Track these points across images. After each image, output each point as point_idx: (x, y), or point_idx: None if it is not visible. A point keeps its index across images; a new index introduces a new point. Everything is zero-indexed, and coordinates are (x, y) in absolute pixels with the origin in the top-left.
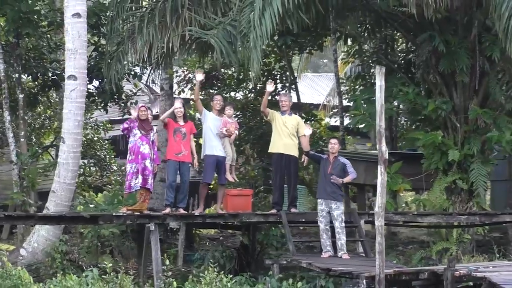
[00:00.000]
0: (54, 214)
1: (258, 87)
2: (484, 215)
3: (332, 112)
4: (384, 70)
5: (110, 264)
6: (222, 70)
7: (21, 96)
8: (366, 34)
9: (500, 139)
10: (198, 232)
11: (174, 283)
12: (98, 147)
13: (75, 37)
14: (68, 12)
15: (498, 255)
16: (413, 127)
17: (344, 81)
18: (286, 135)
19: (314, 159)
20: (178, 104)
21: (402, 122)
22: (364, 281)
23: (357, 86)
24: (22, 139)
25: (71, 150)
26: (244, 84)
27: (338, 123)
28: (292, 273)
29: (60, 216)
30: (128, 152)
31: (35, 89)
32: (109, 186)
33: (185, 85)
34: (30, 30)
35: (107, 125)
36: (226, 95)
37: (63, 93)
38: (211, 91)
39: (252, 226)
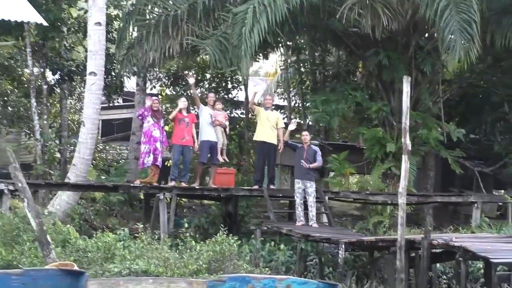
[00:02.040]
0: (84, 183)
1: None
2: (421, 196)
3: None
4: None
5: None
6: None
7: (45, 87)
8: (319, 48)
9: (428, 136)
10: (181, 202)
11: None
12: None
13: (96, 41)
14: (91, 21)
15: (417, 228)
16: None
17: (280, 84)
18: (268, 127)
19: (292, 147)
20: (183, 100)
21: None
22: (343, 245)
23: (304, 89)
24: (45, 122)
25: (89, 132)
26: (201, 83)
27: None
28: (270, 238)
29: (88, 184)
30: (142, 135)
31: (53, 81)
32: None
33: (156, 82)
34: (55, 34)
35: None
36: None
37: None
38: (177, 88)
39: (235, 198)
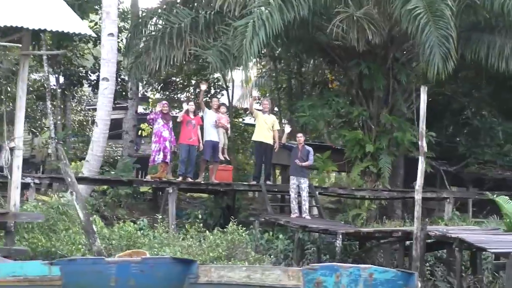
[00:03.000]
0: (102, 177)
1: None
2: (400, 192)
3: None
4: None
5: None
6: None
7: (59, 90)
8: (297, 58)
9: (403, 138)
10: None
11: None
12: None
13: (109, 50)
14: (104, 32)
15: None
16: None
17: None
18: (265, 129)
19: (288, 148)
20: (191, 103)
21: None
22: (340, 236)
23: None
24: (58, 122)
25: (101, 131)
26: (187, 88)
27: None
28: (265, 228)
29: (106, 179)
30: (153, 135)
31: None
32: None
33: (148, 87)
34: (69, 42)
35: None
36: (176, 95)
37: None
38: (167, 92)
39: (233, 192)
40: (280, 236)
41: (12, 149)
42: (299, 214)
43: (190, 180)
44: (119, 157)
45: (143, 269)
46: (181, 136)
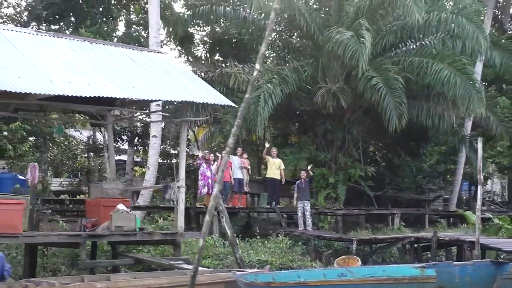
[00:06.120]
0: (153, 205)
1: None
2: (360, 209)
3: None
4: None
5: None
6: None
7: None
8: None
9: (354, 173)
10: None
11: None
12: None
13: (157, 117)
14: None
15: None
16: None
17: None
18: (274, 169)
19: (294, 183)
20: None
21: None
22: (355, 242)
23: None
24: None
25: (152, 174)
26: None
27: None
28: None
29: (158, 206)
30: (200, 175)
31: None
32: None
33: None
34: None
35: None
36: None
37: None
38: None
39: (249, 213)
40: (299, 243)
41: (178, 187)
42: (304, 227)
43: (226, 205)
44: None
45: (474, 269)
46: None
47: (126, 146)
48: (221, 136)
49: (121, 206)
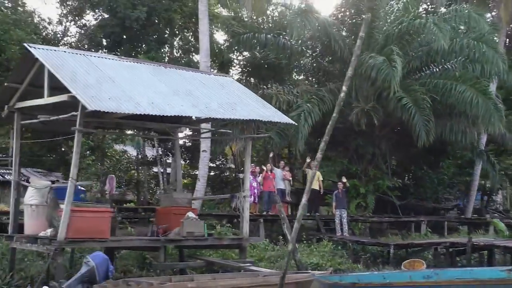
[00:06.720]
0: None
1: None
2: (389, 217)
3: None
4: None
5: None
6: None
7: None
8: None
9: (383, 184)
10: None
11: None
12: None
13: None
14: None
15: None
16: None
17: None
18: (314, 180)
19: (333, 192)
20: (268, 165)
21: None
22: (392, 247)
23: None
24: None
25: (202, 184)
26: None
27: None
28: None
29: (211, 214)
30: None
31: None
32: None
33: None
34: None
35: None
36: None
37: None
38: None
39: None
40: (339, 247)
41: (244, 197)
42: (341, 233)
43: (270, 213)
44: None
45: None
46: (264, 186)
47: (169, 160)
48: (254, 151)
49: (190, 214)
